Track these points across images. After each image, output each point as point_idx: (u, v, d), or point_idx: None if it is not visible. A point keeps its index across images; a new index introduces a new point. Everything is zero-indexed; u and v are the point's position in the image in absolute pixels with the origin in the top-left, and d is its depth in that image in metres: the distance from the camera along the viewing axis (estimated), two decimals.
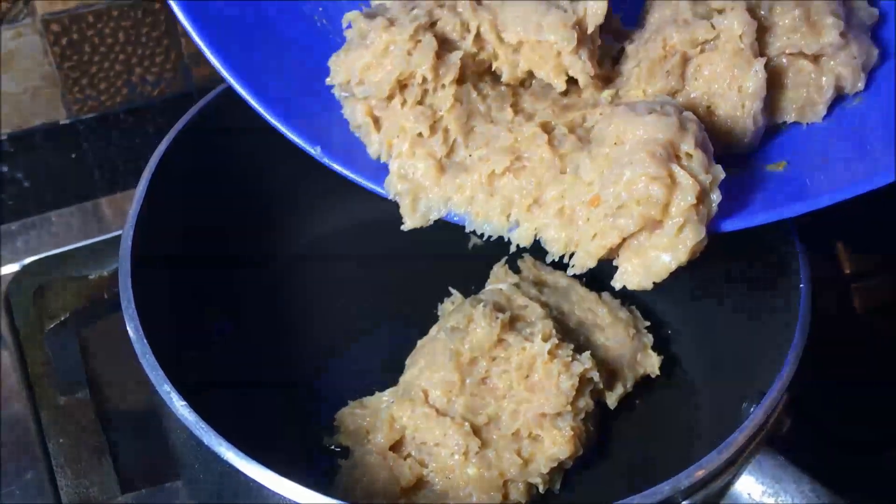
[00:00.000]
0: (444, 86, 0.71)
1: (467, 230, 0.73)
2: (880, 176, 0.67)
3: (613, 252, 0.69)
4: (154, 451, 0.87)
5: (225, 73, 0.72)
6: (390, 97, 0.72)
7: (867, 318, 1.01)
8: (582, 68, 0.71)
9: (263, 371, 0.88)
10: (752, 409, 0.66)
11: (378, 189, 0.74)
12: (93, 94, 1.08)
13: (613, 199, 0.66)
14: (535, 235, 0.71)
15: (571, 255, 0.70)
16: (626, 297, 0.90)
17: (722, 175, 0.67)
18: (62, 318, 0.81)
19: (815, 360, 0.71)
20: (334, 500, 0.59)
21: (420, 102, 0.72)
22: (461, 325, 0.80)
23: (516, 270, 0.92)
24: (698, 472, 0.62)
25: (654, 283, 0.68)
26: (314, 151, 0.74)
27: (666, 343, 0.91)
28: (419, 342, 0.84)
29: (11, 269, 1.02)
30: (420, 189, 0.72)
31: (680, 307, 0.92)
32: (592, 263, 0.69)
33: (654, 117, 0.67)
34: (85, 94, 1.07)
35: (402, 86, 0.71)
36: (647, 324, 0.88)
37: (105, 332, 0.92)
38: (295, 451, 0.83)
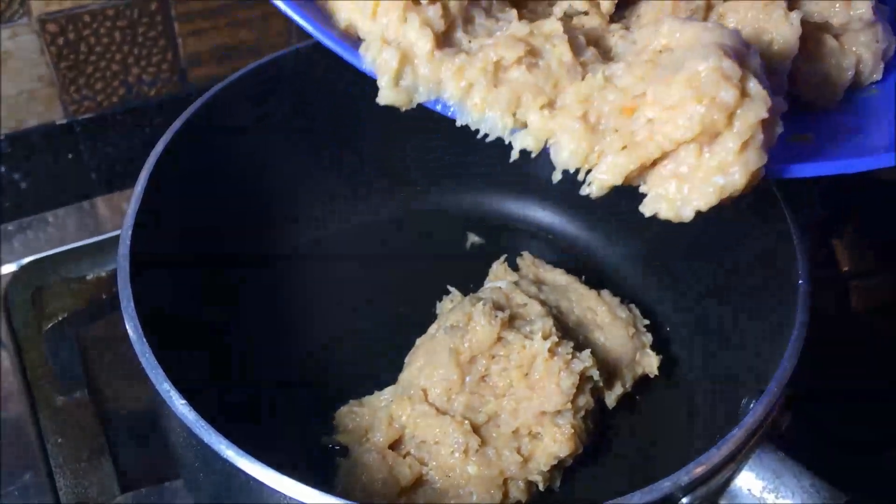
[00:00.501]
0: None
1: (458, 123, 0.61)
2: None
3: (643, 172, 0.58)
4: (153, 451, 0.87)
5: None
6: None
7: (866, 317, 1.01)
8: None
9: (262, 370, 0.88)
10: (751, 405, 0.66)
11: (346, 54, 0.61)
12: (89, 94, 1.08)
13: (665, 99, 0.56)
14: (547, 141, 0.60)
15: (587, 174, 0.60)
16: (626, 296, 0.90)
17: (785, 107, 0.58)
18: (60, 319, 0.81)
19: (813, 360, 0.70)
20: (336, 499, 0.58)
21: None
22: (461, 323, 0.80)
23: (515, 268, 0.92)
24: (698, 469, 0.62)
25: (696, 211, 0.57)
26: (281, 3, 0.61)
27: (665, 342, 0.91)
28: (418, 341, 0.84)
29: (9, 269, 1.02)
30: (408, 58, 0.60)
31: (678, 305, 0.93)
32: (618, 180, 0.58)
33: (716, 25, 0.58)
34: (82, 95, 1.07)
35: None
36: (647, 322, 0.88)
37: (103, 332, 0.92)
38: (294, 449, 0.83)
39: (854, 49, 0.70)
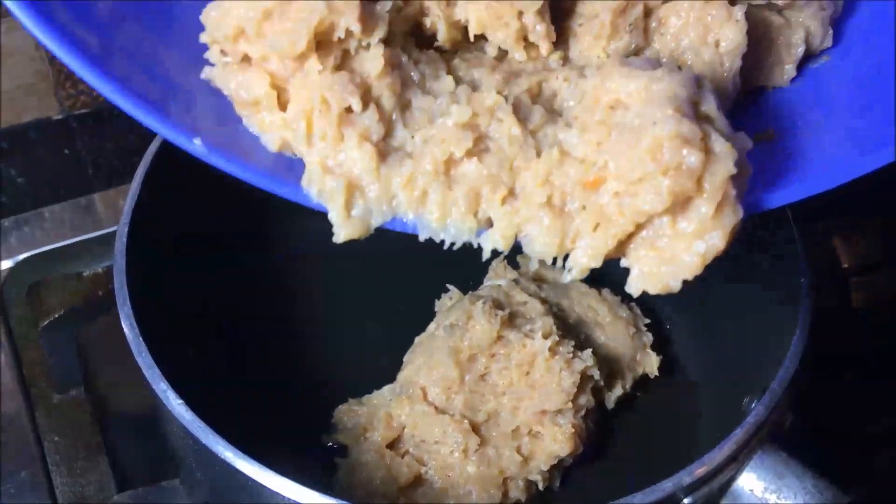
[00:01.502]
0: (368, 45, 0.55)
1: (421, 238, 0.57)
2: (880, 154, 0.58)
3: (622, 247, 0.55)
4: (150, 450, 0.87)
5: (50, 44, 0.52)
6: (301, 58, 0.54)
7: (867, 314, 1.01)
8: (546, 32, 0.58)
9: (260, 369, 0.87)
10: (753, 405, 0.66)
11: (289, 194, 0.57)
12: (86, 89, 1.07)
13: (628, 173, 0.53)
14: (517, 235, 0.57)
15: (566, 259, 0.57)
16: (626, 294, 0.90)
17: (749, 144, 0.55)
18: (57, 316, 0.81)
19: (814, 356, 0.70)
20: (334, 500, 0.58)
21: (339, 68, 0.55)
22: (460, 321, 0.80)
23: (515, 266, 0.91)
24: (700, 469, 0.62)
25: (684, 280, 0.55)
26: (195, 147, 0.55)
27: (665, 341, 0.91)
28: (417, 339, 0.84)
29: (6, 265, 1.01)
30: (355, 185, 0.55)
31: (679, 304, 0.92)
32: (597, 263, 0.56)
33: (665, 72, 0.54)
34: (78, 90, 1.06)
35: (318, 44, 0.54)
36: (647, 321, 0.88)
37: (101, 329, 0.91)
38: (292, 449, 0.83)
39: (801, 21, 0.67)
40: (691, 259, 0.54)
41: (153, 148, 0.77)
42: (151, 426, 0.87)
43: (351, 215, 0.56)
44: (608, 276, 0.93)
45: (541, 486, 0.78)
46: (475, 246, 0.57)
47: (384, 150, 0.55)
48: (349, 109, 0.54)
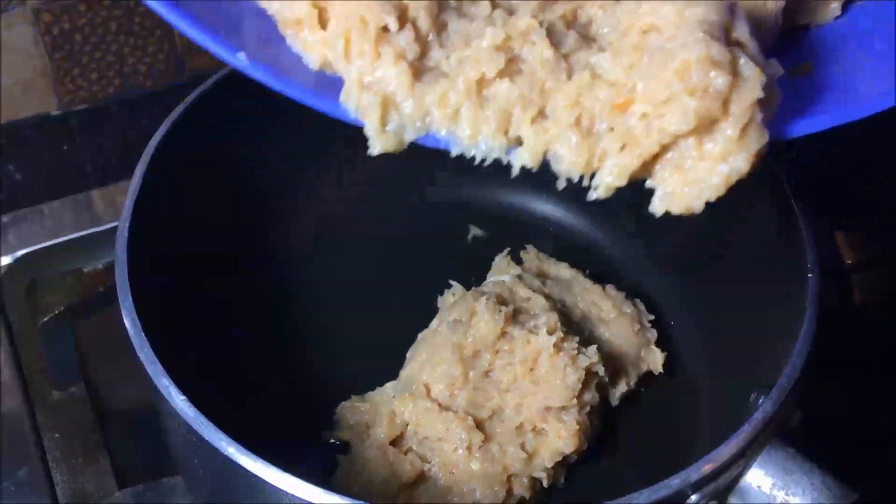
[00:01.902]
0: None
1: (453, 153, 0.59)
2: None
3: (647, 168, 0.57)
4: (150, 447, 0.86)
5: None
6: None
7: (869, 311, 1.01)
8: None
9: (261, 365, 0.87)
10: (760, 401, 0.65)
11: (328, 108, 0.59)
12: (85, 85, 1.06)
13: (657, 95, 0.54)
14: (546, 154, 0.58)
15: (591, 178, 0.58)
16: (630, 289, 0.90)
17: (780, 71, 0.56)
18: (56, 312, 0.80)
19: (818, 354, 0.70)
20: (339, 497, 0.58)
21: None
22: (464, 318, 0.79)
23: (518, 262, 0.91)
24: (708, 465, 0.61)
25: (707, 202, 0.56)
26: (238, 61, 0.57)
27: (669, 337, 0.90)
28: (420, 335, 0.83)
29: (4, 261, 1.01)
30: (390, 101, 0.57)
31: (683, 300, 0.92)
32: (622, 182, 0.57)
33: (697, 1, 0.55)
34: (77, 86, 1.06)
35: None
36: (652, 317, 0.87)
37: (99, 326, 0.91)
38: (293, 445, 0.82)
39: None
40: (715, 180, 0.55)
41: (154, 142, 0.76)
42: (151, 423, 0.87)
43: (386, 130, 0.58)
44: (612, 272, 0.94)
45: (545, 484, 0.77)
46: (504, 163, 0.59)
47: (419, 69, 0.57)
48: (386, 29, 0.56)
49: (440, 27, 0.58)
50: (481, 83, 0.57)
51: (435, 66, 0.58)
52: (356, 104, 0.57)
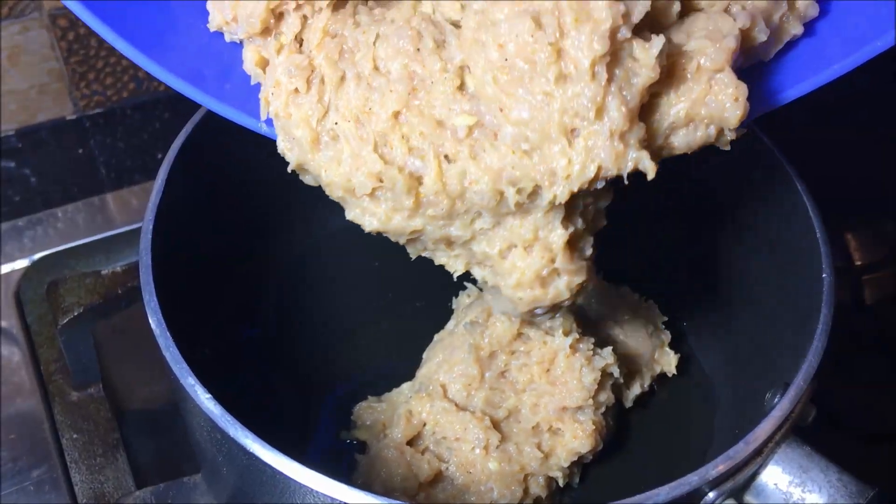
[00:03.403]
0: (320, 10, 0.60)
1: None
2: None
3: None
4: (168, 446, 0.87)
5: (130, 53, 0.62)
6: (265, 32, 0.60)
7: (879, 310, 1.01)
8: None
9: (278, 366, 0.88)
10: (776, 400, 0.66)
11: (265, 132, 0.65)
12: (99, 89, 1.07)
13: None
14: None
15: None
16: (643, 290, 0.90)
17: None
18: (76, 314, 0.81)
19: (831, 351, 0.70)
20: (362, 493, 0.58)
21: (300, 42, 0.60)
22: (480, 319, 0.80)
23: None
24: (726, 463, 0.62)
25: None
26: (259, 127, 0.64)
27: (683, 338, 0.91)
28: (436, 336, 0.84)
29: (22, 264, 1.01)
30: (303, 153, 0.62)
31: (697, 300, 0.92)
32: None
33: None
34: (92, 90, 1.07)
35: (279, 16, 0.60)
36: (665, 318, 0.88)
37: (118, 326, 0.91)
38: (311, 445, 0.83)
39: None
40: None
41: (177, 144, 0.77)
42: (167, 423, 0.88)
43: (305, 173, 0.64)
44: (626, 272, 0.95)
45: (561, 483, 0.78)
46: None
47: (318, 134, 0.60)
48: (297, 90, 0.60)
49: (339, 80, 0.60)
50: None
51: (331, 129, 0.60)
52: (281, 149, 0.62)
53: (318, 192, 0.97)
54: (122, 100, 1.09)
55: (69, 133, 1.08)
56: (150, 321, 0.66)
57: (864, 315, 1.01)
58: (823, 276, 0.71)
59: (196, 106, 0.82)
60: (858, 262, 1.03)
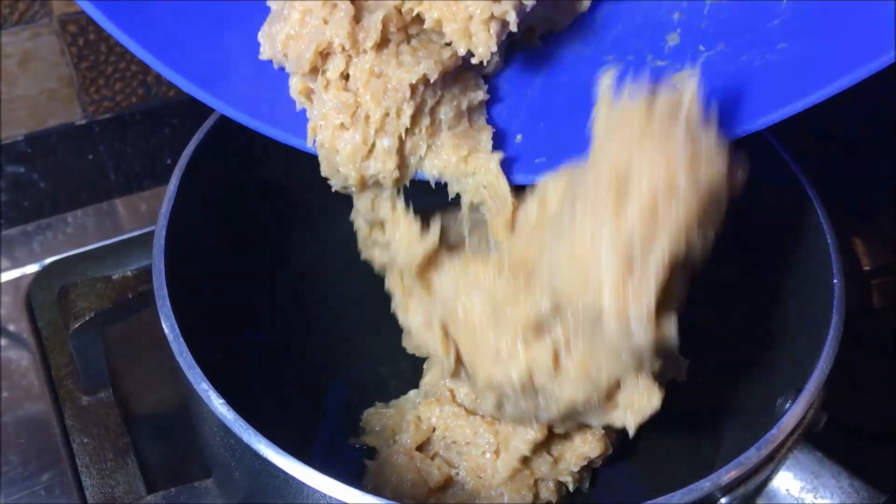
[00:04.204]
0: (365, 51, 0.63)
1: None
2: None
3: None
4: (178, 450, 0.87)
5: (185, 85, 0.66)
6: (313, 71, 0.64)
7: (887, 315, 1.01)
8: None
9: (287, 371, 0.88)
10: (787, 406, 0.66)
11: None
12: (109, 94, 1.07)
13: None
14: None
15: None
16: None
17: None
18: (87, 319, 0.81)
19: (841, 357, 0.70)
20: (376, 499, 0.58)
21: (346, 77, 0.64)
22: None
23: None
24: (738, 468, 0.62)
25: None
26: (305, 146, 0.68)
27: (691, 342, 0.90)
28: None
29: (32, 269, 1.02)
30: (346, 180, 0.67)
31: (706, 305, 0.92)
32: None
33: None
34: (101, 95, 1.07)
35: (325, 56, 0.64)
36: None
37: (128, 331, 0.92)
38: (320, 451, 0.83)
39: None
40: None
41: (190, 148, 0.77)
42: (177, 427, 0.88)
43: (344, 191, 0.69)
44: None
45: (571, 488, 0.78)
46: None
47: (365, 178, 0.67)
48: (343, 125, 0.64)
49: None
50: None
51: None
52: (324, 173, 0.68)
53: (327, 198, 0.98)
54: (132, 105, 1.09)
55: (78, 138, 1.09)
56: (164, 326, 0.66)
57: (871, 319, 1.01)
58: (834, 282, 0.71)
59: (207, 112, 0.83)
60: (866, 267, 1.03)
